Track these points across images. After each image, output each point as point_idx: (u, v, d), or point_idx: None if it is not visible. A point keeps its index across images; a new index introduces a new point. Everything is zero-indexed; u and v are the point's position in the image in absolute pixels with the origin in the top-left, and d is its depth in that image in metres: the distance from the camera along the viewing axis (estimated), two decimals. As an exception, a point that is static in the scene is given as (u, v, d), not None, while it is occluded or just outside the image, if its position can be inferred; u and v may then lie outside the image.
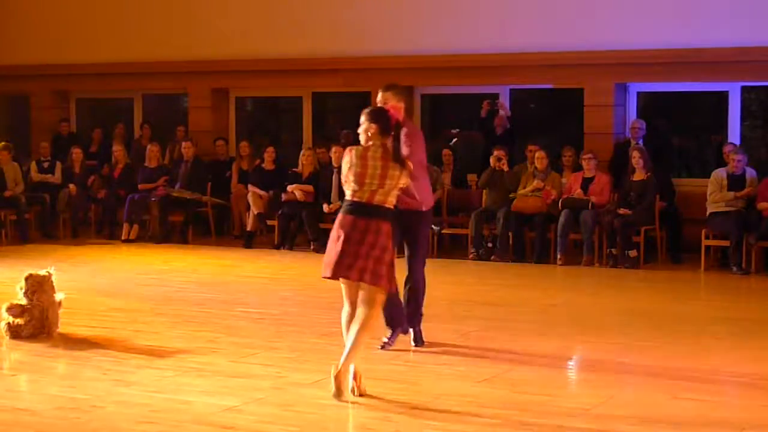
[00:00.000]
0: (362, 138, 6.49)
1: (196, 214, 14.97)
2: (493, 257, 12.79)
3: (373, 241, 6.29)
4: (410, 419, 5.97)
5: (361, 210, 6.34)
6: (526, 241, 12.94)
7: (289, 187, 13.89)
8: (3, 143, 14.97)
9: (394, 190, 6.42)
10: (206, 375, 6.99)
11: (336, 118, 16.97)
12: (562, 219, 12.48)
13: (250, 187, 14.31)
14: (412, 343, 7.81)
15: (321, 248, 13.33)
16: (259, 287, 11.35)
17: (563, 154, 13.44)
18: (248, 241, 14.00)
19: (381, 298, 6.41)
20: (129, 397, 6.44)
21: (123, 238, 14.63)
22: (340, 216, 6.44)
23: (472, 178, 14.13)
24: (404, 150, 6.73)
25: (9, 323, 8.13)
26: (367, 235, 6.30)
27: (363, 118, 6.50)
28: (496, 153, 13.09)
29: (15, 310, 8.12)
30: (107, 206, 15.22)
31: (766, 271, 11.89)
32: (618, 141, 13.56)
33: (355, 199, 6.38)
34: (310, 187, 13.90)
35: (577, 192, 12.67)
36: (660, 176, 12.66)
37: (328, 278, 6.41)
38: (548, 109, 15.71)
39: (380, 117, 6.48)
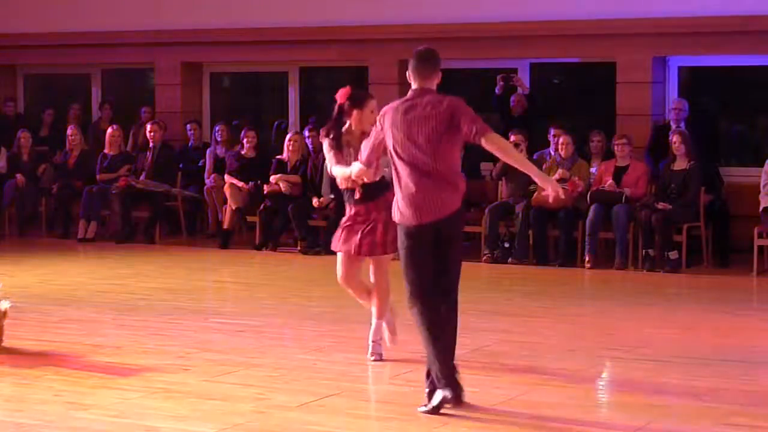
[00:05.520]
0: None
1: (164, 209, 14.97)
2: (510, 259, 12.80)
3: None
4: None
5: None
6: (549, 240, 12.93)
7: (273, 178, 13.87)
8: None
9: None
10: (176, 397, 6.99)
11: (327, 97, 16.92)
12: (590, 215, 12.48)
13: (228, 178, 14.29)
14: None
15: (309, 249, 13.36)
16: (237, 294, 11.35)
17: (591, 140, 13.42)
18: (225, 240, 13.99)
19: None
20: (86, 423, 6.44)
21: (79, 236, 14.64)
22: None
23: (486, 167, 14.10)
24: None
25: (-54, 336, 8.12)
26: None
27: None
28: (513, 138, 13.07)
29: (-48, 321, 8.12)
30: (60, 199, 15.20)
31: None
32: (656, 124, 13.56)
33: None
34: (296, 178, 13.88)
35: (609, 183, 12.67)
36: (705, 165, 12.66)
37: None
38: (574, 86, 15.70)
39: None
